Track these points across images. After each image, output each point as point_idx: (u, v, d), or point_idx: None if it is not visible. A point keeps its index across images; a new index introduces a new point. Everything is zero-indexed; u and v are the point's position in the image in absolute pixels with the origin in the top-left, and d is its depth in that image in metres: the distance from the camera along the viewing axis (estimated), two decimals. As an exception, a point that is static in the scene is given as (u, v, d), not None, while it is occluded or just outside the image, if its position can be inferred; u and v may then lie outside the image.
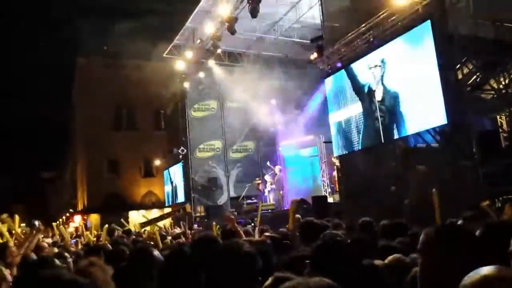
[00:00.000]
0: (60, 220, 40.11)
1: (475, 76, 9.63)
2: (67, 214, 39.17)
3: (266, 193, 16.00)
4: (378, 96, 10.67)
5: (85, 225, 30.94)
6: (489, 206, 4.66)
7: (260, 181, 16.88)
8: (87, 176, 33.34)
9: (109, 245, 5.27)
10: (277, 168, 16.18)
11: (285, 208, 14.72)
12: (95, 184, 32.35)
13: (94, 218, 31.47)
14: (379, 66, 10.63)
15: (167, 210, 21.69)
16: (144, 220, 12.78)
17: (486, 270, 1.29)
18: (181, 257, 2.59)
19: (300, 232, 4.32)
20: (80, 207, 36.38)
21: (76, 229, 30.67)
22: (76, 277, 1.54)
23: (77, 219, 32.98)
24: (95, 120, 32.15)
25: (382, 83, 10.55)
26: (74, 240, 10.88)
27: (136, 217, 28.97)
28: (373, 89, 10.81)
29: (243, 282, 2.04)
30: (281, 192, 15.89)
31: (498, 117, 10.39)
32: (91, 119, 32.38)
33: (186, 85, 19.31)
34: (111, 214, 29.68)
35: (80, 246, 7.65)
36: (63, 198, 46.71)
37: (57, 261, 4.01)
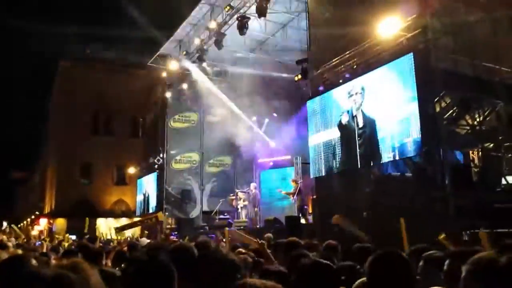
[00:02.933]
0: (25, 222, 39.01)
1: (451, 111, 9.93)
2: (33, 217, 38.11)
3: (243, 209, 15.92)
4: (357, 122, 10.87)
5: (50, 229, 30.24)
6: (445, 239, 4.82)
7: (234, 197, 16.83)
8: (57, 179, 32.60)
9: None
10: (252, 186, 16.18)
11: (258, 226, 14.70)
12: (65, 188, 31.62)
13: (60, 222, 30.70)
14: (360, 93, 10.86)
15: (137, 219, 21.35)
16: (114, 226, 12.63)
17: None
18: (156, 265, 2.56)
19: (275, 250, 4.34)
20: (47, 210, 35.45)
21: (41, 232, 29.89)
22: (67, 273, 1.53)
23: (43, 223, 32.13)
24: (72, 123, 31.64)
25: (362, 110, 10.76)
26: (39, 242, 10.60)
27: (104, 225, 28.41)
28: (353, 115, 11.01)
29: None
30: (255, 209, 15.86)
31: (470, 152, 10.69)
32: (67, 122, 31.85)
33: (168, 95, 19.27)
34: (79, 220, 29.04)
35: (45, 249, 7.49)
36: (31, 200, 45.48)
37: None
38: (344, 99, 11.34)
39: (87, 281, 1.72)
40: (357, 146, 10.77)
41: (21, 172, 50.73)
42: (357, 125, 10.85)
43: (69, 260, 2.10)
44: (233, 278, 2.11)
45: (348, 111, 11.20)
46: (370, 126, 10.44)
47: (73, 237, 17.64)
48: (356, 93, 10.94)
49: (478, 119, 10.27)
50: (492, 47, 10.03)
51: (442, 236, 5.56)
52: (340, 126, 11.44)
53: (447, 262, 2.54)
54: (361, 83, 10.81)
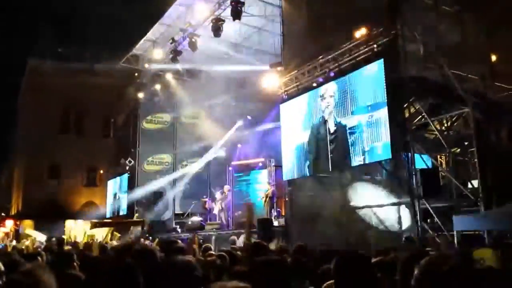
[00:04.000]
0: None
1: (420, 116, 10.19)
2: (-2, 218, 36.93)
3: (216, 212, 15.81)
4: (329, 126, 11.03)
5: (17, 230, 29.39)
6: (420, 238, 4.97)
7: (206, 199, 16.75)
8: (24, 179, 31.68)
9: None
10: (226, 188, 16.13)
11: (230, 228, 14.68)
12: (32, 188, 30.72)
13: (28, 224, 29.84)
14: (332, 97, 11.03)
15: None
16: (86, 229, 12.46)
17: None
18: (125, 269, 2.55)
19: (250, 252, 4.38)
20: (13, 211, 34.43)
21: (6, 234, 29.01)
22: (19, 278, 1.52)
23: (9, 224, 31.17)
24: (40, 122, 30.80)
25: (334, 114, 10.93)
26: (2, 245, 10.32)
27: (73, 227, 27.79)
28: (325, 119, 11.17)
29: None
30: (227, 212, 15.82)
31: (438, 156, 10.99)
32: (36, 120, 31.00)
33: (141, 95, 19.05)
34: (47, 222, 28.29)
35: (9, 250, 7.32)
36: (-5, 201, 44.06)
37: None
38: (317, 103, 11.49)
39: (40, 286, 1.72)
40: (329, 149, 10.92)
41: (-15, 172, 49.09)
42: (329, 129, 11.01)
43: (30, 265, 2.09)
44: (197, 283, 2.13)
45: (320, 115, 11.35)
46: (341, 130, 10.61)
47: (43, 238, 17.22)
48: (329, 97, 11.10)
49: (446, 125, 10.58)
50: (460, 55, 10.34)
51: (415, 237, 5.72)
52: (312, 130, 11.58)
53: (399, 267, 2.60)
54: (334, 87, 10.98)
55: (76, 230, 19.24)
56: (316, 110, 11.53)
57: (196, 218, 15.74)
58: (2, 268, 3.07)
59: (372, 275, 2.44)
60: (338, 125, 10.72)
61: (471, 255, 5.51)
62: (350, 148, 10.29)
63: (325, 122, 11.16)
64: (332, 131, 10.91)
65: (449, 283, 1.65)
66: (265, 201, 14.51)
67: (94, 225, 14.65)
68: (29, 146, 31.33)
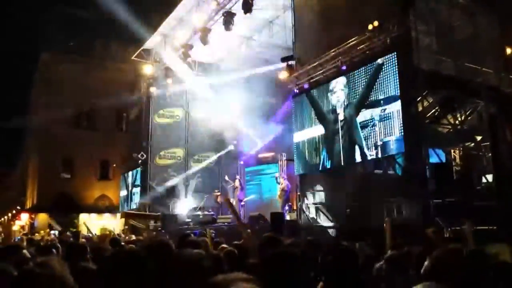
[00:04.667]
0: (6, 217, 38.41)
1: (433, 110, 10.08)
2: (14, 212, 37.51)
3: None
4: (341, 120, 10.97)
5: (32, 224, 29.83)
6: (433, 232, 4.92)
7: (219, 193, 16.81)
8: (39, 173, 32.09)
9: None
10: (236, 181, 16.16)
11: (242, 221, 14.69)
12: (46, 182, 31.12)
13: (42, 217, 30.26)
14: (344, 91, 10.96)
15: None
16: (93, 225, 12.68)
17: None
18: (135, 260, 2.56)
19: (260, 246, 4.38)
20: (28, 205, 34.92)
21: (22, 227, 29.47)
22: (34, 269, 1.54)
23: (24, 218, 31.64)
24: (54, 117, 31.13)
25: (346, 108, 10.86)
26: (19, 237, 10.49)
27: (87, 220, 28.09)
28: (337, 112, 11.11)
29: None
30: (239, 204, 15.85)
31: (452, 150, 10.87)
32: (49, 115, 31.33)
33: (153, 90, 19.12)
34: (61, 215, 28.67)
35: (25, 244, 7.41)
36: (11, 195, 44.72)
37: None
38: (329, 97, 11.43)
39: (55, 277, 1.73)
40: (341, 144, 10.87)
41: (0, 166, 49.79)
42: (340, 124, 10.95)
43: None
44: (206, 274, 2.14)
45: (333, 108, 11.30)
46: (353, 124, 10.55)
47: (56, 232, 17.46)
48: (341, 90, 11.04)
49: (459, 119, 10.45)
50: (474, 48, 10.20)
51: (430, 230, 5.67)
52: (324, 124, 11.53)
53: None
54: (346, 81, 10.91)
55: (90, 223, 19.43)
56: (327, 104, 11.47)
57: (208, 212, 15.82)
58: (28, 255, 3.13)
59: (356, 264, 2.66)
60: (350, 119, 10.66)
61: (483, 250, 5.46)
62: (363, 142, 10.23)
63: (336, 116, 11.10)
64: (343, 125, 10.85)
65: (457, 274, 1.66)
66: (279, 195, 14.50)
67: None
68: (42, 140, 31.71)
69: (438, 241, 4.22)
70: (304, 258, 3.64)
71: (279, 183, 14.71)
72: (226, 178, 16.89)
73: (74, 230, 12.90)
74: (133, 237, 9.16)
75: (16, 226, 27.51)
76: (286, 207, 14.25)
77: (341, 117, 10.97)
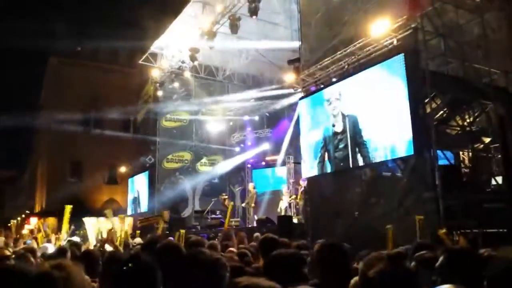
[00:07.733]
0: (16, 221, 38.64)
1: (442, 111, 9.99)
2: (23, 216, 37.76)
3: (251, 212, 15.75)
4: (349, 122, 10.90)
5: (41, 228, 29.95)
6: (445, 234, 4.87)
7: (226, 197, 16.80)
8: (48, 177, 32.35)
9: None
10: (250, 185, 16.09)
11: (249, 226, 14.70)
12: (55, 187, 31.33)
13: (52, 221, 30.42)
14: (352, 93, 10.90)
15: (128, 219, 21.24)
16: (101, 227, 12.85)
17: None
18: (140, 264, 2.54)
19: (260, 247, 4.35)
20: (37, 209, 35.17)
21: (31, 231, 29.63)
22: (51, 271, 1.53)
23: (33, 222, 31.82)
24: (62, 121, 31.35)
25: (354, 110, 10.80)
26: (30, 241, 10.54)
27: (95, 224, 28.13)
28: (345, 115, 11.05)
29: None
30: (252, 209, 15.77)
31: (461, 152, 10.76)
32: (58, 119, 31.56)
33: (160, 94, 19.19)
34: (70, 219, 28.78)
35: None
36: (20, 199, 45.05)
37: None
38: (336, 99, 11.36)
39: (71, 280, 1.72)
40: (349, 146, 10.81)
41: (9, 170, 50.16)
42: (347, 125, 10.89)
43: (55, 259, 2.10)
44: (222, 278, 2.13)
45: (340, 111, 11.24)
46: (360, 126, 10.48)
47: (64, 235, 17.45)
48: (348, 93, 10.98)
49: (468, 120, 10.34)
50: (482, 49, 10.11)
51: (443, 231, 5.59)
52: (331, 126, 11.47)
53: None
54: (353, 83, 10.85)
55: (100, 228, 19.49)
56: (334, 106, 11.41)
57: (216, 216, 15.81)
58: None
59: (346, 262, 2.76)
60: (358, 121, 10.59)
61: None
62: (370, 144, 10.16)
63: (344, 118, 11.05)
64: (351, 127, 10.78)
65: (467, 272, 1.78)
66: (298, 198, 14.32)
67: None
68: (51, 145, 31.96)
69: (449, 243, 4.17)
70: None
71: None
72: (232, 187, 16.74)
73: (82, 233, 13.00)
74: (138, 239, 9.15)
75: (25, 230, 27.64)
76: (294, 210, 14.21)
77: (349, 119, 10.91)
